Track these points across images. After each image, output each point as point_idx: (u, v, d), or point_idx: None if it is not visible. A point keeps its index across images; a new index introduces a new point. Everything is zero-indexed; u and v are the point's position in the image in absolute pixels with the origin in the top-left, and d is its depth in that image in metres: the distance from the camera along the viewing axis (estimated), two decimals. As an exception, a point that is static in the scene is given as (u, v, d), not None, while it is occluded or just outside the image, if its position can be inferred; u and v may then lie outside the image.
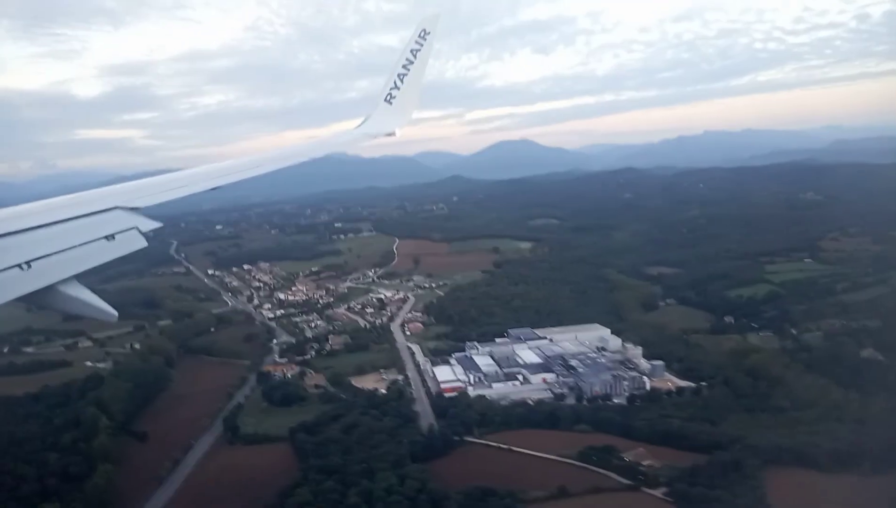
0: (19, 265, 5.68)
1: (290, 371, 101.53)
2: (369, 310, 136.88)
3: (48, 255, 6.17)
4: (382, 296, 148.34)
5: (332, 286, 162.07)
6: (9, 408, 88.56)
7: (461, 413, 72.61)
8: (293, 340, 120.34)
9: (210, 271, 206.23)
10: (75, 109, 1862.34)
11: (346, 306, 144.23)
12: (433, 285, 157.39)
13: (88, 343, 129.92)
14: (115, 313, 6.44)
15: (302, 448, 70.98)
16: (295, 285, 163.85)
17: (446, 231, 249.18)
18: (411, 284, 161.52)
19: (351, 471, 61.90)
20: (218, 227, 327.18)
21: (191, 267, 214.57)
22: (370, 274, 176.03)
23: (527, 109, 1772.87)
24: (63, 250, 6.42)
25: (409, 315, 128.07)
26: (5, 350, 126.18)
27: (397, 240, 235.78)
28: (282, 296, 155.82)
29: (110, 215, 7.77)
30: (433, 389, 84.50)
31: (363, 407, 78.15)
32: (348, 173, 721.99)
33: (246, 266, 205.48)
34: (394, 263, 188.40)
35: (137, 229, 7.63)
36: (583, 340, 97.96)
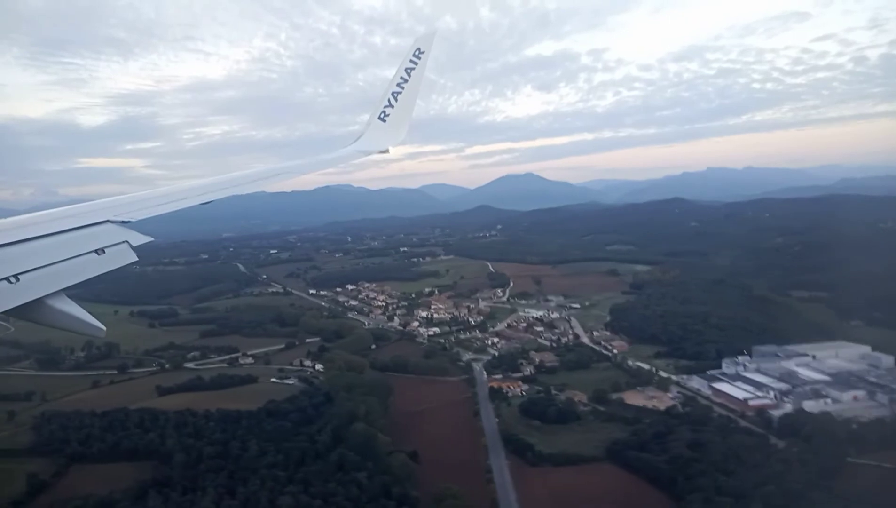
0: (7, 279, 5.49)
1: (518, 388, 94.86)
2: (538, 328, 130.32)
3: (37, 268, 5.92)
4: (537, 315, 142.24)
5: (471, 305, 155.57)
6: (255, 423, 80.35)
7: (820, 432, 66.00)
8: (483, 357, 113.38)
9: (311, 291, 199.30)
10: (79, 138, 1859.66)
11: (505, 324, 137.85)
12: (578, 305, 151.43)
13: (249, 360, 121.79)
14: (104, 327, 6.15)
15: (647, 468, 63.99)
16: (433, 303, 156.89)
17: (535, 255, 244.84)
18: (552, 303, 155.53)
19: (764, 493, 54.82)
20: (273, 251, 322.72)
21: (287, 288, 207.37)
22: (499, 294, 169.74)
23: (526, 144, 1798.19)
24: (52, 264, 6.13)
25: (597, 334, 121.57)
26: (167, 366, 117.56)
27: (489, 263, 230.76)
28: (424, 314, 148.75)
29: (101, 228, 7.49)
30: (730, 405, 77.97)
31: (691, 424, 71.39)
32: (359, 204, 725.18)
33: (349, 286, 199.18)
34: (511, 284, 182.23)
35: (128, 243, 7.31)
36: (844, 357, 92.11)
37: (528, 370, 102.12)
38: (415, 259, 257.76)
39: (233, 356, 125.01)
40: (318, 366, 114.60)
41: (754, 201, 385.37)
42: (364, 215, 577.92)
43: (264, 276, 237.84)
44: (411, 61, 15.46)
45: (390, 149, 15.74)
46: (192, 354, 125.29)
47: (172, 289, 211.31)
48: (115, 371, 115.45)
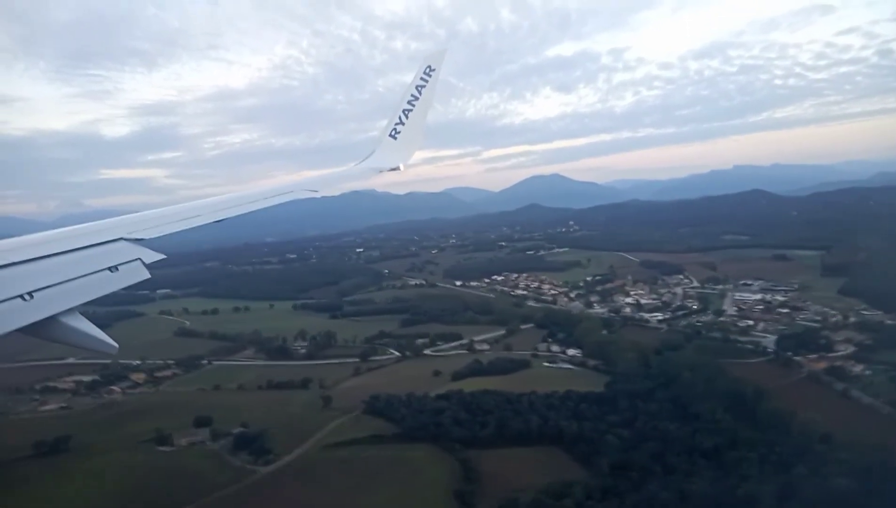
0: (21, 296, 5.55)
1: (855, 366, 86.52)
2: (782, 310, 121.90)
3: (51, 286, 5.94)
4: (756, 298, 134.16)
5: (672, 292, 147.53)
6: (628, 405, 72.05)
7: None
8: (756, 338, 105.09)
9: (457, 283, 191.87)
10: (102, 149, 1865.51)
11: (733, 307, 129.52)
12: (787, 288, 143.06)
13: (485, 346, 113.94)
14: (116, 345, 6.08)
15: None
16: (630, 290, 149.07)
17: (667, 243, 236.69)
18: (754, 287, 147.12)
19: None
20: (359, 250, 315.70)
21: (428, 280, 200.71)
22: (684, 280, 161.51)
23: (543, 146, 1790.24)
24: (66, 281, 6.18)
25: (867, 314, 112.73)
26: (407, 353, 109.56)
27: (624, 253, 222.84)
28: (627, 300, 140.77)
29: (114, 246, 7.55)
30: None
31: None
32: (389, 208, 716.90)
33: (496, 277, 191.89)
34: (685, 271, 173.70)
35: (141, 260, 7.34)
36: None
37: (845, 350, 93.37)
38: (529, 252, 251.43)
39: (461, 342, 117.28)
40: (570, 351, 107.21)
41: (843, 191, 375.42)
42: (397, 218, 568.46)
43: (386, 271, 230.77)
44: (422, 79, 15.39)
45: (401, 166, 15.44)
46: (421, 341, 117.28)
47: (303, 285, 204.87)
48: (358, 360, 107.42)
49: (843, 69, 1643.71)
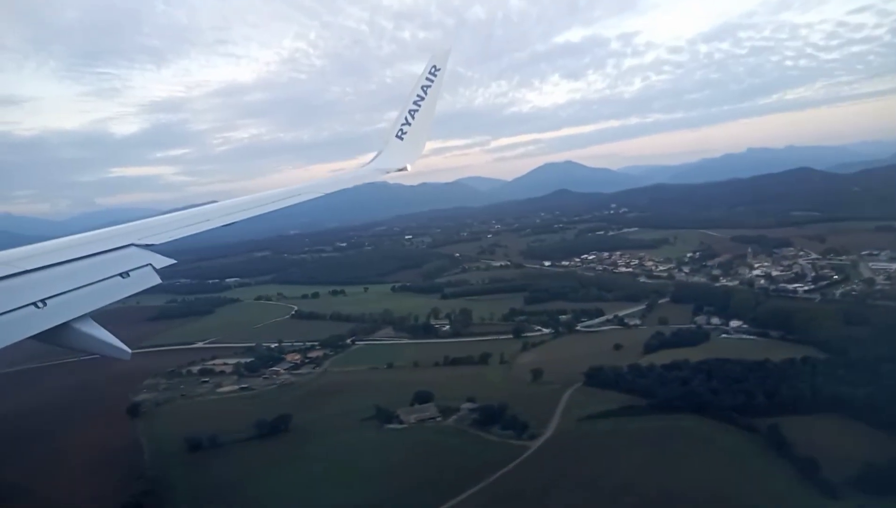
0: (35, 304, 5.63)
1: None
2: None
3: (64, 293, 6.02)
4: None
5: (797, 263, 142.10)
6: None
7: None
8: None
9: (545, 263, 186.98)
10: (112, 148, 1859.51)
11: (879, 277, 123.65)
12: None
13: (636, 321, 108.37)
14: (129, 350, 6.03)
15: None
16: (754, 263, 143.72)
17: (745, 221, 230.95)
18: (882, 257, 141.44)
19: None
20: (408, 237, 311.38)
21: (510, 261, 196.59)
22: (799, 254, 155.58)
23: (551, 134, 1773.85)
24: (79, 288, 6.25)
25: None
26: (560, 329, 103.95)
27: (705, 231, 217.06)
28: (756, 273, 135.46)
29: (125, 252, 7.63)
30: None
31: None
32: (405, 199, 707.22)
33: (586, 257, 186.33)
34: (794, 244, 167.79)
35: (152, 265, 7.37)
36: None
37: None
38: (598, 232, 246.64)
39: (606, 318, 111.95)
40: (734, 322, 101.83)
41: (891, 167, 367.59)
42: (413, 208, 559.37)
43: (457, 254, 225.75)
44: (427, 78, 15.29)
45: (408, 166, 15.47)
46: (564, 317, 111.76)
47: (381, 270, 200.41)
48: (511, 336, 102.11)
49: (856, 48, 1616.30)
